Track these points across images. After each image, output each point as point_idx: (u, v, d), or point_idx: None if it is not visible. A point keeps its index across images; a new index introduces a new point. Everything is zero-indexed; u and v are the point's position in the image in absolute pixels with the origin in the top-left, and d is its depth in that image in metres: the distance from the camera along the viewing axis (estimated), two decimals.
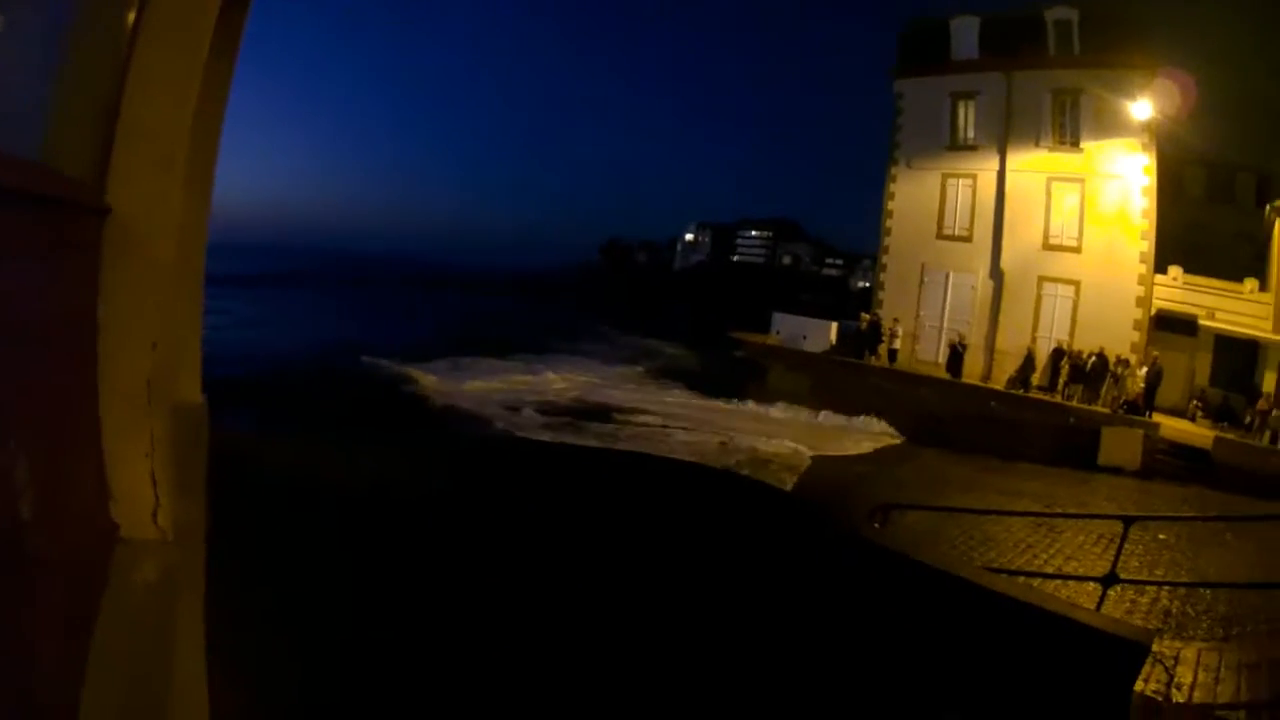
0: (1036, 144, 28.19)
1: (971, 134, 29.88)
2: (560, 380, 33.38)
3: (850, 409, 26.68)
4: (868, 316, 30.47)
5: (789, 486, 17.36)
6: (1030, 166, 28.23)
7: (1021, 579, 8.08)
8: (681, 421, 25.69)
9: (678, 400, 30.11)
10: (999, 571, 8.05)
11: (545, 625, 5.62)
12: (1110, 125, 26.66)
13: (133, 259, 2.21)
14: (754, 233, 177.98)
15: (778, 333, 32.04)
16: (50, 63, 1.79)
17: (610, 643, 5.46)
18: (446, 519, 8.26)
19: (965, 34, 30.51)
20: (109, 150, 2.19)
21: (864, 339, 29.50)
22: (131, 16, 2.21)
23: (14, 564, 1.45)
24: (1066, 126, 27.79)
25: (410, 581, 6.21)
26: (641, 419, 25.95)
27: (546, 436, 21.89)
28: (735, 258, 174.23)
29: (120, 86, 2.20)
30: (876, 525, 7.76)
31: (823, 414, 26.88)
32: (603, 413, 26.81)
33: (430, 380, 31.48)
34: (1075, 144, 27.52)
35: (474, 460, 14.90)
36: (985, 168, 29.16)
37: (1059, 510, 14.93)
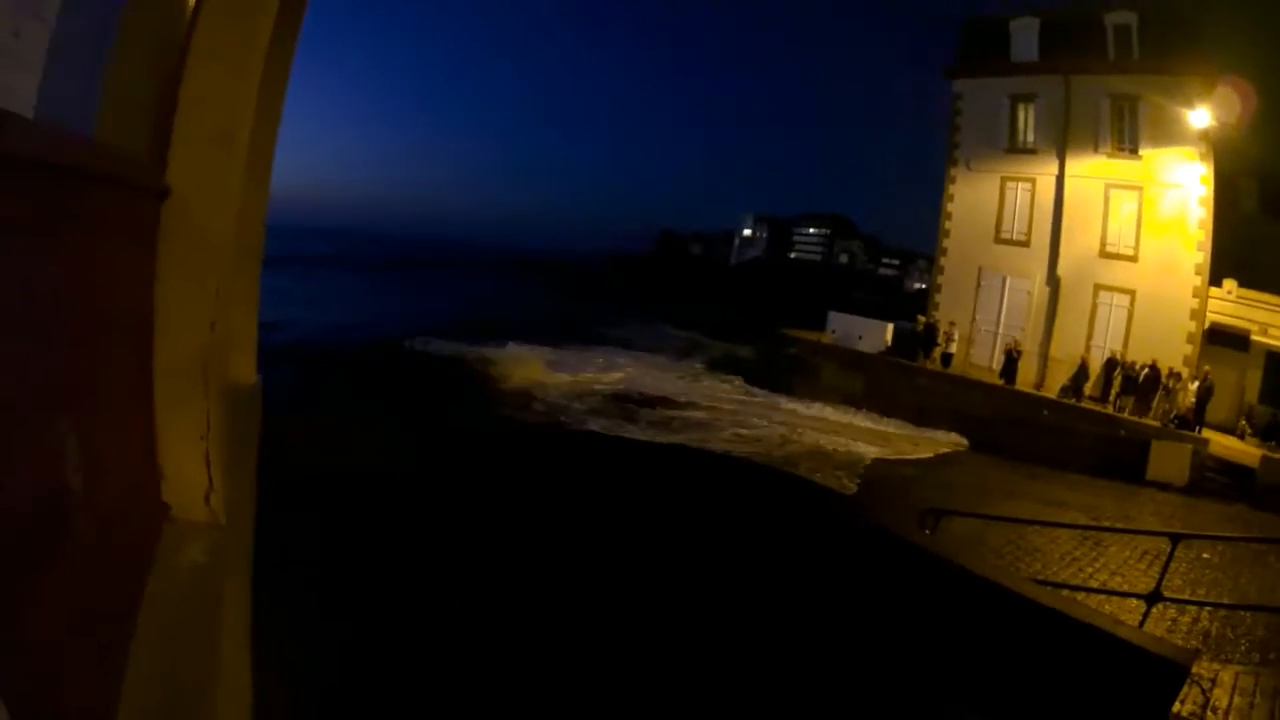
0: (1095, 150, 27.81)
1: (1031, 137, 29.52)
2: (615, 371, 33.22)
3: (904, 412, 26.54)
4: (923, 319, 30.25)
5: (843, 487, 17.53)
6: (1089, 172, 27.84)
7: (1066, 592, 8.25)
8: (736, 416, 25.67)
9: (732, 395, 29.87)
10: (1044, 583, 8.14)
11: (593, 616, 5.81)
12: (1169, 133, 26.21)
13: (191, 239, 2.21)
14: (811, 230, 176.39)
15: (833, 331, 31.88)
16: (109, 37, 1.75)
17: (660, 637, 5.68)
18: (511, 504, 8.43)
19: (1025, 35, 30.17)
20: (169, 129, 2.19)
21: (919, 341, 29.29)
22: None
23: (65, 542, 1.46)
24: (1125, 133, 27.35)
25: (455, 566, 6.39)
26: (695, 414, 25.90)
27: (598, 426, 22.15)
28: (792, 254, 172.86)
29: (181, 63, 2.20)
30: (927, 531, 7.82)
31: (874, 415, 26.75)
32: (654, 404, 26.80)
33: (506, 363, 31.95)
34: (1134, 151, 27.10)
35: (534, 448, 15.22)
36: (1044, 172, 28.80)
37: (1105, 523, 14.86)
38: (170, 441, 2.18)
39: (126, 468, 1.99)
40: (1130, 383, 24.46)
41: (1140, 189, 26.82)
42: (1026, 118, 29.67)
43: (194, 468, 2.21)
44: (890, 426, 25.92)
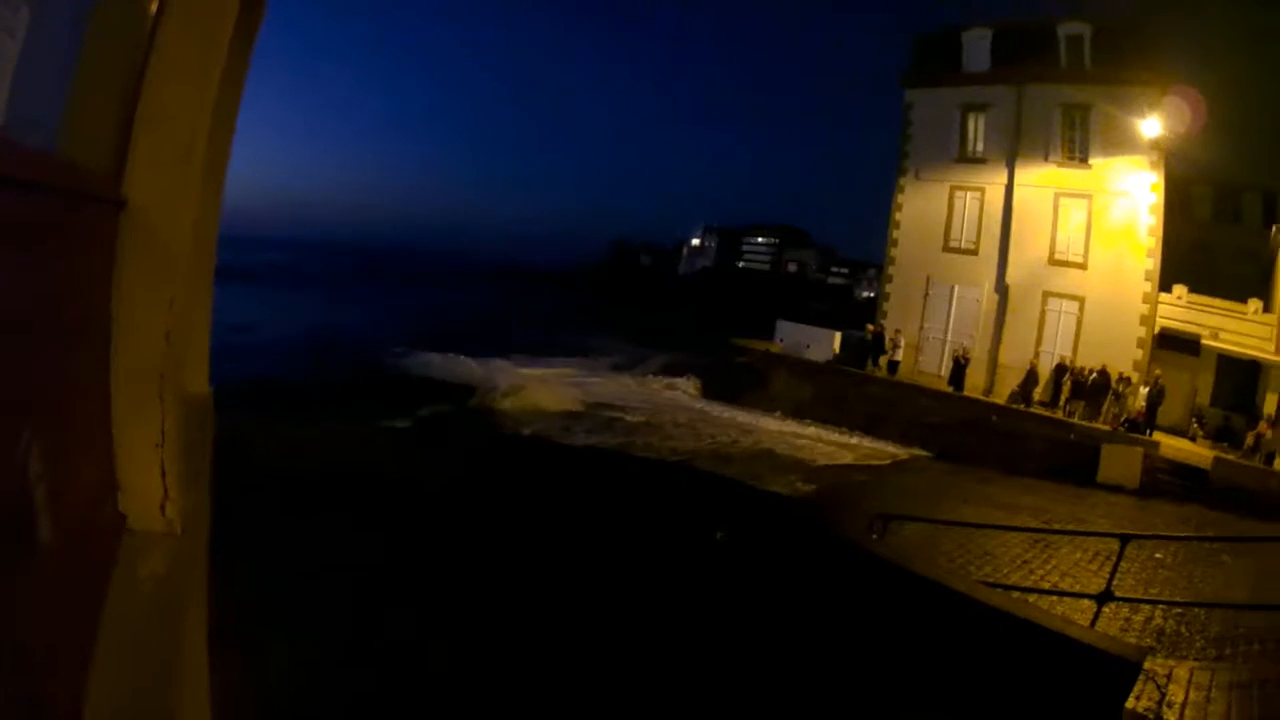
0: (1045, 159, 28.31)
1: (981, 147, 29.98)
2: (563, 380, 33.45)
3: (853, 419, 26.75)
4: (872, 327, 30.55)
5: (795, 491, 17.46)
6: (1038, 181, 28.29)
7: (1017, 594, 8.14)
8: (683, 426, 25.79)
9: (680, 405, 30.10)
10: (995, 586, 8.09)
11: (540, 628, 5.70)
12: (1119, 142, 26.71)
13: (148, 251, 2.19)
14: (760, 239, 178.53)
15: (781, 341, 32.27)
16: (69, 51, 1.76)
17: (608, 645, 5.57)
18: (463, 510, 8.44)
19: (977, 45, 30.55)
20: (126, 141, 2.17)
21: (867, 349, 29.59)
22: (154, 4, 2.21)
23: (20, 554, 1.44)
24: (1076, 142, 27.88)
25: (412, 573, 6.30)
26: (639, 420, 26.22)
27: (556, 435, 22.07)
28: (740, 264, 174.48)
29: (140, 76, 2.18)
30: (875, 536, 7.83)
31: (823, 424, 26.94)
32: (605, 413, 27.04)
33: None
34: (1084, 160, 27.60)
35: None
36: (994, 181, 29.25)
37: (1056, 526, 14.96)
38: (126, 451, 2.17)
39: (83, 478, 1.99)
40: (1079, 387, 24.86)
41: (1090, 197, 27.36)
42: (977, 127, 30.10)
43: (150, 477, 2.20)
44: (839, 434, 26.11)
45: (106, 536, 2.07)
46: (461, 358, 36.00)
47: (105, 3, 1.87)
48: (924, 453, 24.37)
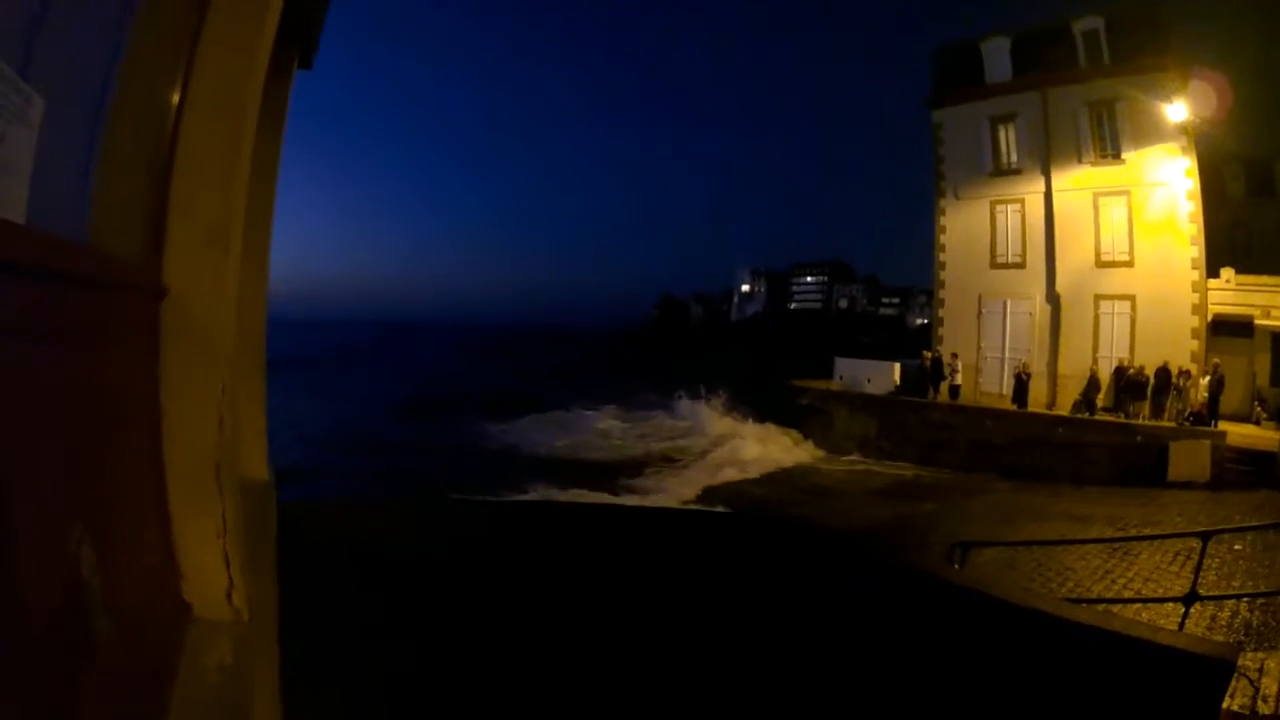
0: (1079, 160, 27.96)
1: (1014, 157, 29.69)
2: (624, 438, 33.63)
3: (916, 449, 26.66)
4: (929, 354, 30.17)
5: (855, 525, 17.52)
6: (1075, 184, 27.95)
7: (1102, 606, 8.22)
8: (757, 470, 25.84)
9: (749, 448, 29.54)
10: (1078, 601, 7.97)
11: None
12: (1148, 132, 26.38)
13: (192, 338, 2.22)
14: (808, 278, 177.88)
15: (840, 378, 32.04)
16: (94, 143, 1.76)
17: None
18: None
19: (997, 55, 30.47)
20: (162, 230, 2.21)
21: (927, 376, 29.22)
22: (175, 96, 2.25)
23: (82, 649, 1.45)
24: (1106, 138, 27.54)
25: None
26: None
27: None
28: (792, 305, 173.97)
29: (169, 165, 2.22)
30: (956, 565, 7.78)
31: (888, 459, 26.87)
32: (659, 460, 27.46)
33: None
34: (1116, 155, 27.25)
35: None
36: (1032, 190, 28.95)
37: (1133, 532, 14.79)
38: (188, 542, 2.18)
39: (145, 571, 1.99)
40: (1140, 388, 24.43)
41: (1128, 192, 26.93)
42: (1008, 138, 29.84)
43: (214, 567, 2.20)
44: (902, 466, 26.02)
45: (171, 627, 2.07)
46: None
47: (124, 94, 1.84)
48: (991, 474, 24.12)
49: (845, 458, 27.64)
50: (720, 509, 19.01)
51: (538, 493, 21.54)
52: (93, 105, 1.74)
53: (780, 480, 24.75)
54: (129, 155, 1.99)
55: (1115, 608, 8.58)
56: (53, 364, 1.42)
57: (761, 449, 28.38)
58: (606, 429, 35.94)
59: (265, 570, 2.87)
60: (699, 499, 21.84)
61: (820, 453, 28.30)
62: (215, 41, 2.29)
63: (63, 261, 1.40)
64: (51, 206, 1.48)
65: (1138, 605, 9.30)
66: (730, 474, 25.08)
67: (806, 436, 29.53)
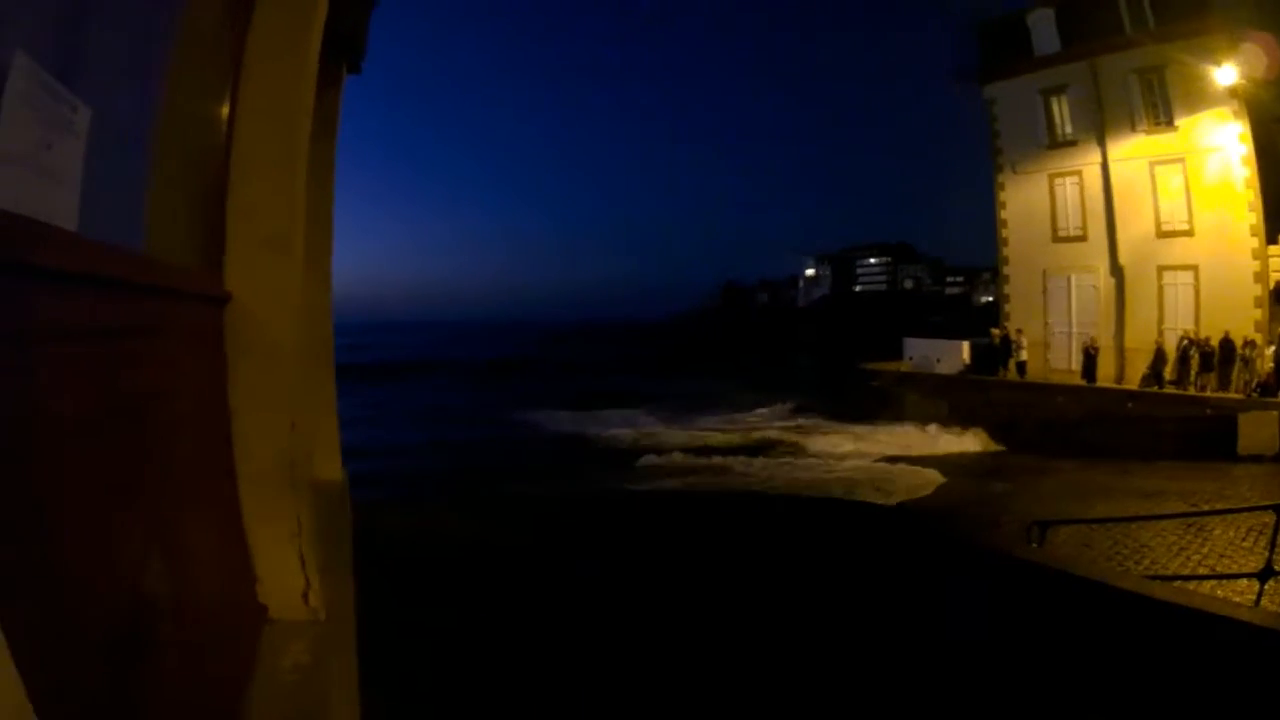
0: (1133, 129, 27.31)
1: (1069, 129, 29.11)
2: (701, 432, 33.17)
3: (988, 427, 26.33)
4: (998, 332, 29.86)
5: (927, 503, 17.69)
6: (1131, 153, 27.34)
7: (1178, 583, 8.33)
8: (835, 455, 26.00)
9: (825, 436, 29.45)
10: (1155, 579, 7.97)
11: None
12: (1199, 97, 25.67)
13: (258, 343, 2.23)
14: (872, 260, 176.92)
15: (910, 359, 31.98)
16: (146, 153, 1.76)
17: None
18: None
19: (1043, 26, 29.84)
20: (222, 238, 2.22)
21: (996, 354, 28.96)
22: (225, 106, 2.27)
23: (162, 651, 1.46)
24: (1158, 105, 26.83)
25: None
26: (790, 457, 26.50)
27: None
28: (857, 287, 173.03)
29: (225, 173, 2.24)
30: (1034, 544, 7.86)
31: (958, 431, 26.62)
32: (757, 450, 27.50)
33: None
34: (1169, 122, 26.58)
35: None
36: (1089, 162, 28.37)
37: (1205, 508, 14.72)
38: (262, 544, 2.20)
39: (218, 574, 2.02)
40: (1206, 359, 23.95)
41: (1183, 160, 26.27)
42: (1061, 110, 29.30)
43: (289, 568, 2.22)
44: (972, 441, 25.90)
45: (247, 629, 2.08)
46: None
47: (172, 104, 1.85)
48: (1062, 450, 23.42)
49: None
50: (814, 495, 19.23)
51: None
52: (142, 115, 1.74)
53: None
54: (182, 164, 1.99)
55: (1191, 584, 8.57)
56: (113, 371, 1.42)
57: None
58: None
59: (342, 571, 2.89)
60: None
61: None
62: (261, 50, 2.33)
63: (118, 268, 1.39)
64: (105, 215, 1.48)
65: (1213, 582, 9.21)
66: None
67: (875, 418, 29.30)
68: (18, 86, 1.07)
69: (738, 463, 25.52)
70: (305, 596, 2.23)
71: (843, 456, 25.75)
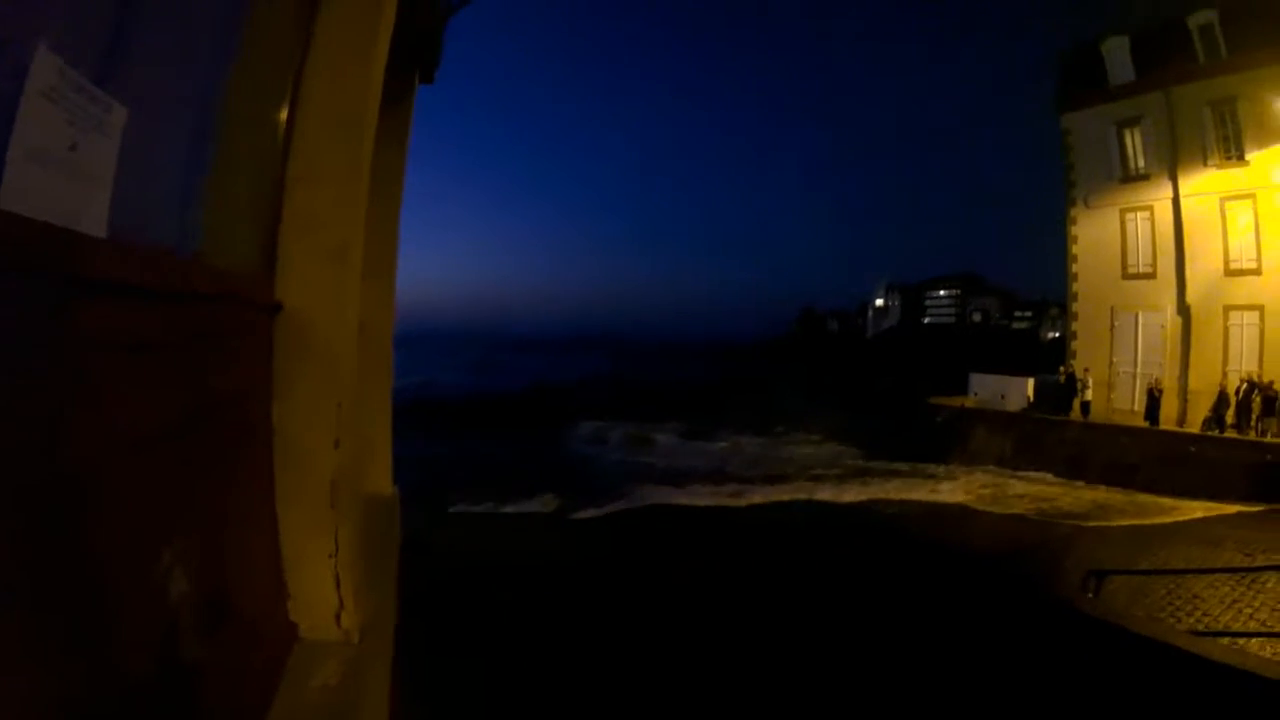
0: (1205, 163, 26.68)
1: (1142, 162, 28.54)
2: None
3: (1052, 466, 25.97)
4: (1063, 369, 29.28)
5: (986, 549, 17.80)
6: (1202, 188, 26.72)
7: (1226, 640, 7.93)
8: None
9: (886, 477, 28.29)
10: (1205, 634, 8.12)
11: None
12: (1271, 130, 24.97)
13: (310, 355, 2.18)
14: (941, 292, 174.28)
15: (975, 394, 31.60)
16: (203, 158, 1.74)
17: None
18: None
19: (1118, 56, 29.45)
20: (274, 244, 2.18)
21: (1061, 392, 28.37)
22: (284, 112, 2.24)
23: (186, 666, 1.44)
24: (1230, 139, 26.17)
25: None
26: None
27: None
28: (926, 319, 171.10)
29: (281, 181, 2.20)
30: (1090, 594, 7.92)
31: (1022, 477, 26.07)
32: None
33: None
34: (1240, 156, 25.87)
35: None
36: (1160, 197, 27.83)
37: (1261, 560, 13.95)
38: (298, 562, 2.17)
39: (250, 590, 1.98)
40: (1269, 403, 23.46)
41: (1253, 196, 25.62)
42: (1134, 142, 28.78)
43: (323, 587, 2.18)
44: (1041, 486, 25.32)
45: (274, 647, 2.05)
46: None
47: (232, 110, 1.83)
48: (1126, 492, 23.22)
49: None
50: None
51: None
52: (203, 119, 1.72)
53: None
54: (239, 170, 1.96)
55: (1240, 641, 8.52)
56: (158, 379, 1.41)
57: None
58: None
59: (383, 590, 2.84)
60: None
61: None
62: (325, 57, 2.31)
63: (152, 275, 1.35)
64: (156, 218, 1.47)
65: (1262, 639, 9.14)
66: None
67: (945, 457, 28.68)
68: (38, 84, 1.07)
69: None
70: (338, 617, 2.21)
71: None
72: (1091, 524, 19.85)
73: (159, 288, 1.37)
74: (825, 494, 24.66)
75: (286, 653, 2.08)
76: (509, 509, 20.87)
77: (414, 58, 4.09)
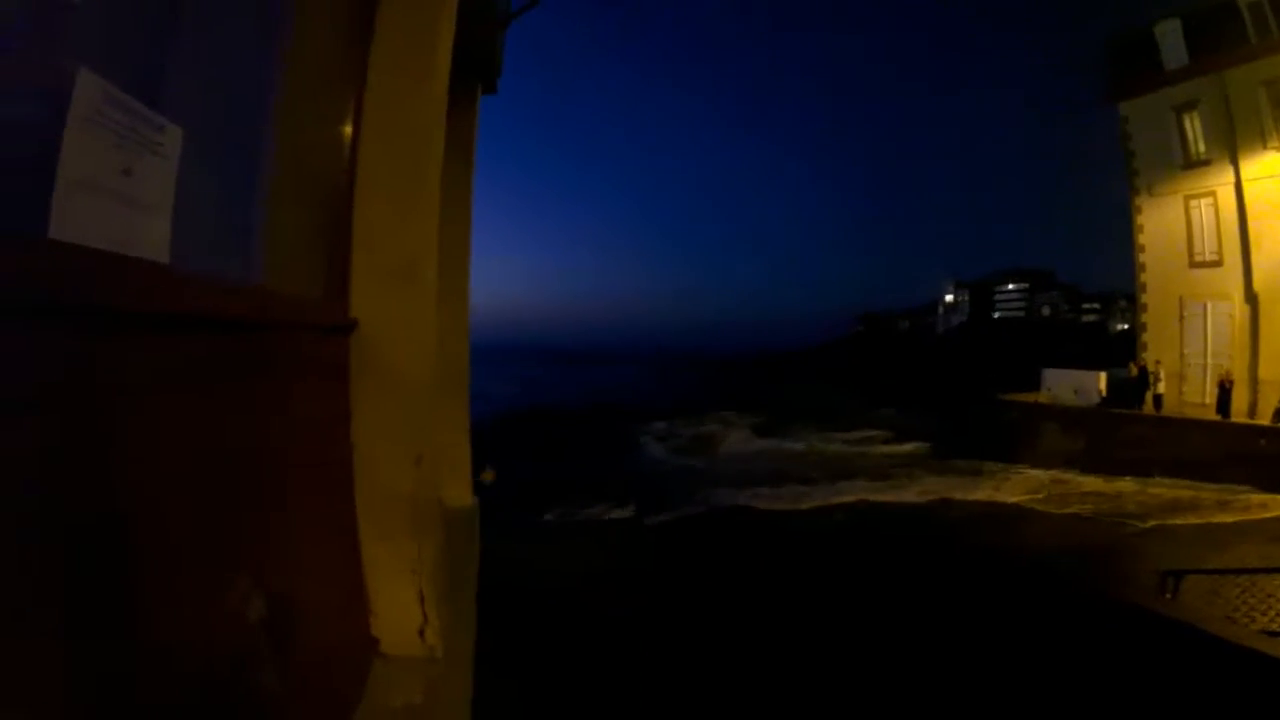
0: (1265, 146, 25.75)
1: (1202, 147, 27.65)
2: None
3: (1126, 464, 25.11)
4: (1134, 364, 28.60)
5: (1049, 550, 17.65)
6: (1264, 172, 25.81)
7: None
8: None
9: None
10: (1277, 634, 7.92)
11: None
12: None
13: (385, 373, 2.17)
14: (1010, 286, 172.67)
15: (1048, 390, 30.82)
16: (262, 177, 1.74)
17: None
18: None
19: (1171, 39, 28.61)
20: (347, 265, 2.17)
21: (1133, 386, 27.66)
22: (348, 128, 2.22)
23: (265, 684, 1.45)
24: None
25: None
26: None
27: None
28: (995, 314, 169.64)
29: (349, 199, 2.19)
30: (1168, 595, 7.73)
31: (1095, 474, 25.43)
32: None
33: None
34: None
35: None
36: (1222, 182, 26.93)
37: None
38: (380, 578, 2.15)
39: (332, 607, 1.98)
40: None
41: None
42: (1194, 127, 27.93)
43: (406, 603, 2.17)
44: (1115, 484, 24.61)
45: (355, 664, 2.04)
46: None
47: (285, 128, 1.83)
48: (1201, 488, 22.26)
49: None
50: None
51: None
52: (261, 140, 1.72)
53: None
54: (299, 189, 1.96)
55: None
56: (235, 405, 1.41)
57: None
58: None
59: (463, 602, 2.84)
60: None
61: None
62: (384, 71, 2.28)
63: (216, 303, 1.34)
64: (219, 244, 1.46)
65: None
66: None
67: (1016, 455, 28.20)
68: (82, 109, 1.03)
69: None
70: (422, 632, 2.18)
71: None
72: (1160, 523, 19.44)
73: (223, 315, 1.37)
74: (897, 495, 24.50)
75: (368, 668, 2.07)
76: (581, 516, 21.18)
77: (476, 68, 4.05)
